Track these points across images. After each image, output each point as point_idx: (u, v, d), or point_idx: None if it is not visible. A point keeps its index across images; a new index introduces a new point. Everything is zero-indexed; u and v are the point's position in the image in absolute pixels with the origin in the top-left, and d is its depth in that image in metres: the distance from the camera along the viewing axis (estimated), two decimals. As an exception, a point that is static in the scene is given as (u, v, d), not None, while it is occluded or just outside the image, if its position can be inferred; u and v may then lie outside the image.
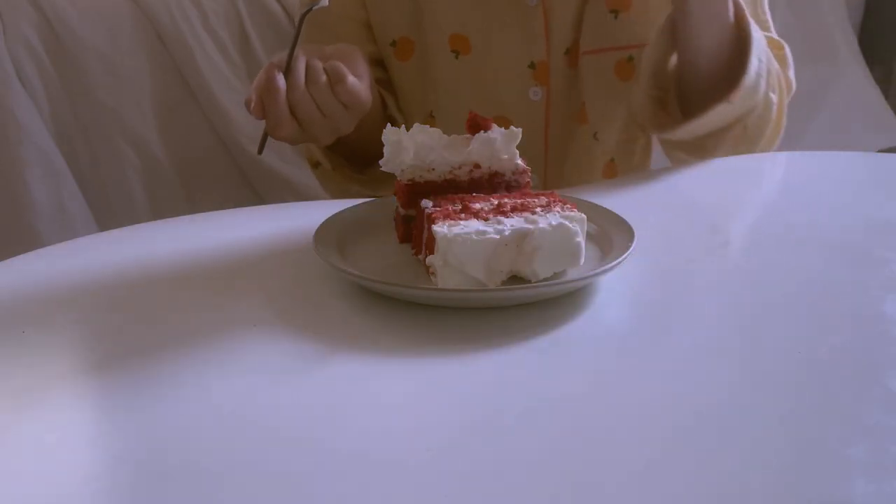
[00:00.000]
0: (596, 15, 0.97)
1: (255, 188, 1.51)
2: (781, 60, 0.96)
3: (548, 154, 1.02)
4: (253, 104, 0.79)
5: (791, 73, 0.98)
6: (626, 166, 1.05)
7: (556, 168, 1.02)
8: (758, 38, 0.88)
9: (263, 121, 0.79)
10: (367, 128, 0.86)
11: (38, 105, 1.37)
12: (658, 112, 0.94)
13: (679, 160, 1.00)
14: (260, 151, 0.84)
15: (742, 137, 0.93)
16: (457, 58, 0.98)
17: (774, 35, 0.98)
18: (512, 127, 0.68)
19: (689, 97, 0.91)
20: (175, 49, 1.45)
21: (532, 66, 0.98)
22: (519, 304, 0.60)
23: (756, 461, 0.44)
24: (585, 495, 0.42)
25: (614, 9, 0.96)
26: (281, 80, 0.78)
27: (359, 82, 0.81)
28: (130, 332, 0.59)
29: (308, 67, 0.80)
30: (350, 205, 0.74)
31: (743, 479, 0.43)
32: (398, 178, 0.68)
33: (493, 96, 0.99)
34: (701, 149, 0.95)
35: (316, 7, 0.80)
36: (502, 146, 0.68)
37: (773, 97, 0.91)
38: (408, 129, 0.68)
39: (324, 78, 0.79)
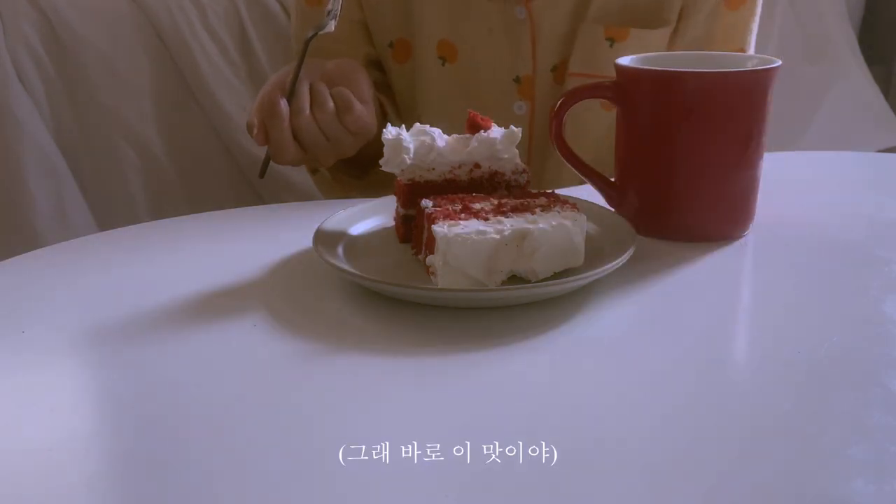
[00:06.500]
0: (591, 39, 0.95)
1: (255, 188, 1.51)
2: None
3: (530, 168, 1.01)
4: (255, 130, 0.77)
5: None
6: None
7: (535, 183, 1.01)
8: None
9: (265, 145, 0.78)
10: (369, 142, 0.85)
11: (38, 105, 1.37)
12: None
13: None
14: (262, 175, 0.82)
15: None
16: (443, 65, 0.97)
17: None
18: (512, 127, 0.68)
19: None
20: (175, 49, 1.45)
21: (517, 80, 0.97)
22: (519, 304, 0.60)
23: (756, 461, 0.44)
24: (585, 495, 0.42)
25: (611, 37, 0.94)
26: (284, 104, 0.76)
27: (365, 109, 0.80)
28: (130, 333, 0.59)
29: (313, 91, 0.78)
30: (350, 205, 0.74)
31: (743, 479, 0.43)
32: (398, 178, 0.68)
33: (477, 107, 0.98)
34: None
35: (321, 32, 0.79)
36: (502, 146, 0.68)
37: None
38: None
39: (331, 104, 0.77)
